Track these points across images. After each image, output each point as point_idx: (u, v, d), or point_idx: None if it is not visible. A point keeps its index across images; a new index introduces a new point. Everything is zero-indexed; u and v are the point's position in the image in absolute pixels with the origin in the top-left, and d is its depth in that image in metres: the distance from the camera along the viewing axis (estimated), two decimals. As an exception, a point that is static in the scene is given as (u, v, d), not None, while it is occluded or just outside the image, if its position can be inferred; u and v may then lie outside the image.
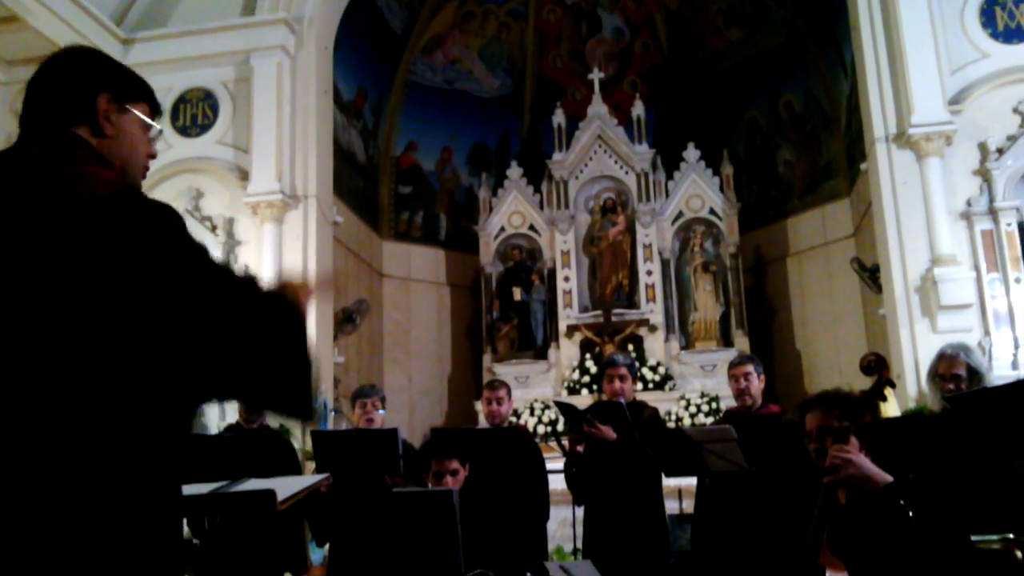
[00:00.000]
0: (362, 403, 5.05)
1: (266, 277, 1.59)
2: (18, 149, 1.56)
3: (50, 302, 1.36)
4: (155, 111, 1.71)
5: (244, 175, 8.19)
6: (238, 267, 1.67)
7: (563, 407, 5.12)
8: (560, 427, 9.01)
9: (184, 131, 8.49)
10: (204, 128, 8.49)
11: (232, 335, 1.44)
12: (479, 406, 8.00)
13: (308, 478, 2.58)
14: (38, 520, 1.31)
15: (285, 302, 1.57)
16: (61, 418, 1.34)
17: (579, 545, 5.07)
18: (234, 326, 1.44)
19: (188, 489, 2.32)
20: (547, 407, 9.77)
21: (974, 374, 3.94)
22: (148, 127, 1.69)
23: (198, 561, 4.14)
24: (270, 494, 1.98)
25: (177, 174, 8.34)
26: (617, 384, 5.00)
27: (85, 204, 1.41)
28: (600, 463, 4.82)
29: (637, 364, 9.80)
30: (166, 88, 8.49)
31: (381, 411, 4.99)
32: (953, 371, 3.96)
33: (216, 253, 7.79)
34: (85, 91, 1.61)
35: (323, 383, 8.13)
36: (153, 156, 1.73)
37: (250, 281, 1.55)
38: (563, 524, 6.00)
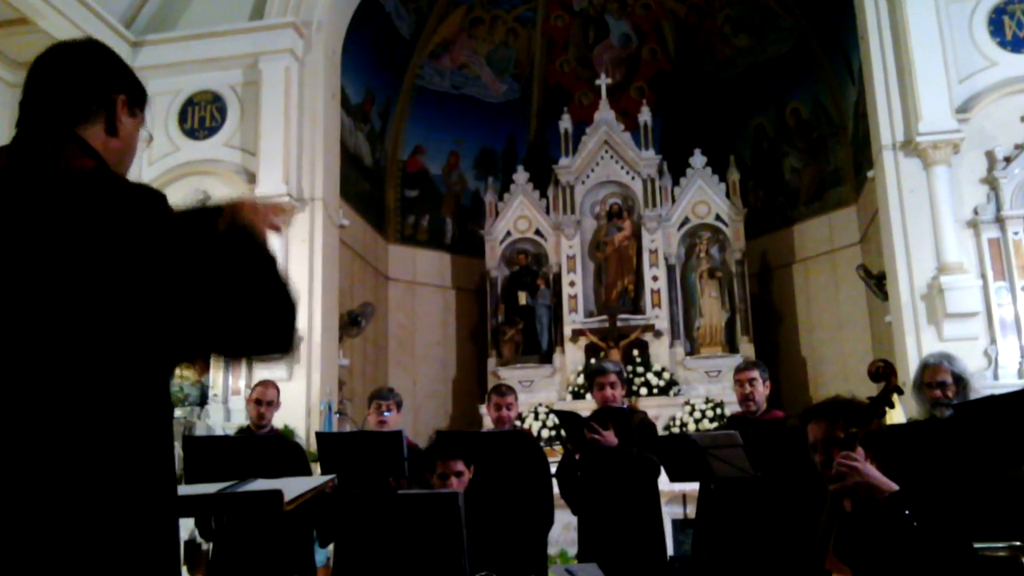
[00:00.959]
0: (377, 404, 5.07)
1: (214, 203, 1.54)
2: (18, 144, 1.53)
3: (31, 278, 1.36)
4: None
5: (251, 178, 8.22)
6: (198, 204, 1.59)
7: (563, 415, 5.07)
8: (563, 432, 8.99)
9: (192, 133, 8.53)
10: (212, 131, 8.53)
11: (209, 295, 1.42)
12: (483, 409, 8.00)
13: (314, 479, 2.58)
14: (19, 512, 1.29)
15: (246, 239, 1.50)
16: (39, 396, 1.33)
17: (582, 549, 5.05)
18: (210, 286, 1.42)
19: (196, 489, 2.33)
20: (551, 411, 9.77)
21: (960, 380, 3.95)
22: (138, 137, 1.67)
23: (208, 563, 4.15)
24: (277, 494, 1.98)
25: (184, 176, 8.38)
26: (608, 392, 5.00)
27: (67, 184, 1.40)
28: (598, 469, 4.81)
29: (641, 369, 9.91)
30: (174, 91, 8.54)
31: (387, 413, 5.00)
32: (938, 378, 3.96)
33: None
34: (104, 88, 1.58)
35: (328, 386, 8.14)
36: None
37: (208, 222, 1.50)
38: (567, 528, 6.00)
